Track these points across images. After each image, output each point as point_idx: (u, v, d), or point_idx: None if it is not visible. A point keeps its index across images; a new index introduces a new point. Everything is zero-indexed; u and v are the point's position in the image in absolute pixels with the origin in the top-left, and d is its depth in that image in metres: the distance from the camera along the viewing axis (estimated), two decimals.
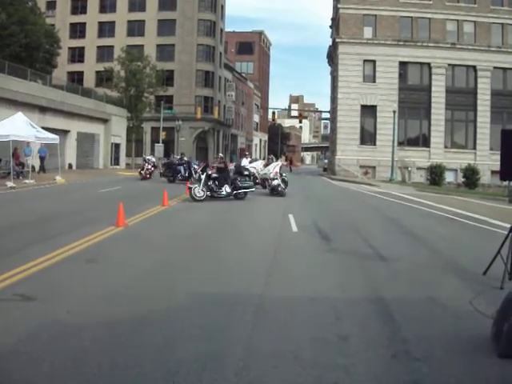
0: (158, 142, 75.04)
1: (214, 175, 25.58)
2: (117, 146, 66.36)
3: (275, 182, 30.00)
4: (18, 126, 34.06)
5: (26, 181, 33.76)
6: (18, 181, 32.97)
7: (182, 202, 24.49)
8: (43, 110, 47.52)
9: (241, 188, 26.23)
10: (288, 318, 7.71)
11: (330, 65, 78.06)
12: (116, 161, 64.75)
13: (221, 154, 30.02)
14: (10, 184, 30.43)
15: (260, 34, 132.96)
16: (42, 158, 42.94)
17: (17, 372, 5.52)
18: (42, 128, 38.13)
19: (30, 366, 5.66)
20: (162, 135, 77.04)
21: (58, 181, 36.45)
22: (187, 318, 7.48)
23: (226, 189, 25.77)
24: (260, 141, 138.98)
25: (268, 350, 6.36)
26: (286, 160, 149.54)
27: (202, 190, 24.84)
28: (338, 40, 65.01)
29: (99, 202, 24.04)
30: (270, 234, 15.98)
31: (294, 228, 17.28)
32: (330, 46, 74.77)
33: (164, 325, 7.12)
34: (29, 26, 53.89)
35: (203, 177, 25.01)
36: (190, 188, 25.10)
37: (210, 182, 25.42)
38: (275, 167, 31.07)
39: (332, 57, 72.44)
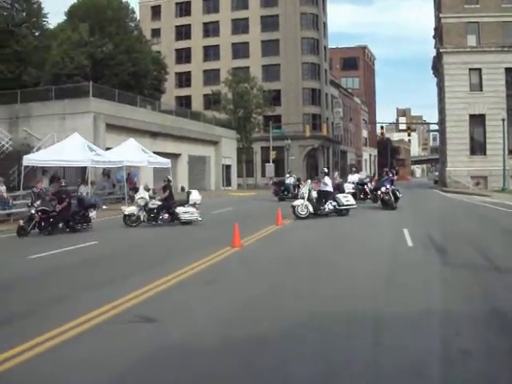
0: (269, 162, 75.06)
1: (315, 193, 25.14)
2: (228, 168, 66.86)
3: (386, 196, 29.03)
4: (131, 152, 34.77)
5: None
6: (132, 205, 32.95)
7: (294, 221, 24.07)
8: (154, 135, 48.33)
9: (343, 205, 25.42)
10: (407, 333, 7.50)
11: (435, 75, 75.52)
12: (228, 182, 65.04)
13: (325, 169, 29.25)
14: (124, 208, 30.44)
15: (364, 48, 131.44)
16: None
17: None
18: (154, 153, 38.55)
19: None
20: (272, 155, 77.30)
21: None
22: (306, 337, 7.34)
23: (329, 206, 25.21)
24: (370, 156, 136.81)
25: (390, 366, 6.20)
26: (397, 174, 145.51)
27: (306, 207, 24.41)
28: (441, 50, 62.88)
29: (213, 223, 23.96)
30: (385, 249, 15.56)
31: (409, 242, 16.58)
32: (434, 57, 72.41)
33: (283, 344, 7.05)
34: (136, 55, 55.63)
35: (306, 195, 24.62)
36: (293, 206, 24.71)
37: (314, 200, 24.97)
38: (385, 181, 30.03)
39: (437, 67, 70.01)
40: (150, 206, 22.71)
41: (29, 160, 30.18)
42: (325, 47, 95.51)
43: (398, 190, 29.61)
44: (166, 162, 38.06)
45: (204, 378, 5.98)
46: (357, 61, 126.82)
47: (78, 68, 49.08)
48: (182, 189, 36.19)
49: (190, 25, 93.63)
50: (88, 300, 9.43)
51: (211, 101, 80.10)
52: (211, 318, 8.31)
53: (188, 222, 22.66)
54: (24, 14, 54.09)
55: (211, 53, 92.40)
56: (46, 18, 57.33)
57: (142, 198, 23.04)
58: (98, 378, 5.95)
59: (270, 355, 6.62)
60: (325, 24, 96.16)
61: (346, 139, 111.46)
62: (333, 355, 6.54)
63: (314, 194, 24.90)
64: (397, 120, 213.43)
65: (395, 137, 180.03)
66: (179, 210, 22.61)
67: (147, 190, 24.50)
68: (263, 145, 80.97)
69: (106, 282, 11.16)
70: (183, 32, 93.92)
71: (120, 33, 55.56)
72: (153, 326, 7.96)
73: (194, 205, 22.99)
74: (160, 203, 22.84)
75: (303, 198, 24.55)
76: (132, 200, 35.83)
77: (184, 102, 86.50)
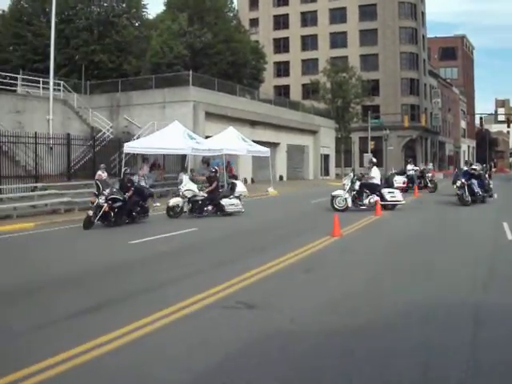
0: (366, 152, 73.95)
1: (357, 186, 23.61)
2: (326, 157, 66.42)
3: (459, 192, 26.12)
4: (230, 140, 34.53)
5: None
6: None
7: (394, 211, 23.42)
8: (253, 123, 48.06)
9: (386, 200, 23.56)
10: (510, 330, 7.10)
11: None
12: (326, 171, 64.30)
13: (374, 159, 26.51)
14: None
15: (462, 38, 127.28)
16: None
17: (245, 373, 5.69)
18: (253, 141, 38.05)
19: (258, 369, 5.82)
20: (371, 145, 76.10)
21: (271, 192, 36.08)
22: (406, 327, 7.25)
23: (370, 200, 23.49)
24: (468, 147, 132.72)
25: (491, 362, 5.94)
26: (495, 166, 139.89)
27: (344, 200, 23.16)
28: None
29: (312, 212, 23.73)
30: (484, 243, 14.76)
31: (510, 236, 15.83)
32: None
33: (383, 334, 6.95)
34: (234, 44, 55.49)
35: (347, 186, 23.34)
36: (332, 196, 23.63)
37: (354, 192, 23.69)
38: (462, 174, 27.39)
39: None
40: (197, 198, 21.83)
41: (129, 147, 30.19)
42: (423, 36, 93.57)
43: (484, 186, 27.46)
44: (265, 151, 37.58)
45: (304, 364, 5.95)
46: (455, 50, 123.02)
47: (177, 57, 49.23)
48: (245, 180, 35.54)
49: (287, 14, 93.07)
50: (189, 285, 9.65)
51: (309, 90, 79.79)
52: (312, 306, 8.30)
53: (230, 214, 22.12)
54: (124, 5, 55.13)
55: (309, 42, 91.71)
56: (146, 8, 58.54)
57: (188, 189, 22.07)
58: (201, 362, 5.99)
59: (369, 344, 6.52)
60: (423, 13, 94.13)
61: (445, 130, 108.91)
62: (433, 347, 6.35)
63: (357, 186, 23.42)
64: (495, 111, 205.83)
65: (494, 128, 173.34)
66: (225, 201, 22.00)
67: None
68: (361, 135, 79.94)
69: (207, 268, 11.27)
70: (281, 22, 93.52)
71: (219, 22, 55.54)
72: (253, 313, 7.99)
73: (238, 197, 22.57)
74: (205, 195, 22.00)
75: (344, 190, 23.27)
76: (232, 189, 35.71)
77: (282, 92, 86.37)
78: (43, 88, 37.22)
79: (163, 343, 6.60)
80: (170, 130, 31.04)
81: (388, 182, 25.58)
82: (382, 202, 23.12)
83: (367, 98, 74.34)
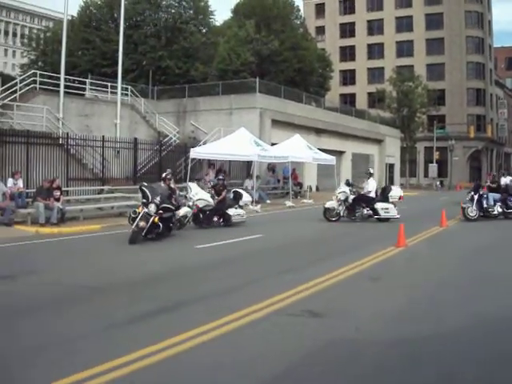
0: (432, 162, 73.09)
1: (351, 200, 22.73)
2: (391, 167, 65.61)
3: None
4: (296, 148, 34.42)
5: (304, 200, 34.31)
6: (296, 200, 33.66)
7: (459, 223, 23.20)
8: (319, 131, 47.58)
9: (379, 215, 22.58)
10: None
11: None
12: (390, 181, 63.15)
13: (370, 169, 25.56)
14: (288, 203, 30.97)
15: None
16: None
17: (308, 382, 5.68)
18: (318, 149, 37.62)
19: (322, 377, 5.78)
20: (436, 155, 75.37)
21: None
22: (474, 339, 7.06)
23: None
24: None
25: None
26: None
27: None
28: None
29: (372, 222, 22.86)
30: None
31: None
32: None
33: (449, 345, 6.78)
34: (301, 52, 55.27)
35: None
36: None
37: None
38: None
39: None
40: (207, 208, 20.52)
41: (195, 153, 30.22)
42: (490, 46, 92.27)
43: None
44: (331, 159, 37.07)
45: (368, 372, 5.90)
46: None
47: (244, 64, 49.11)
48: (310, 188, 35.13)
49: (353, 22, 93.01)
50: (254, 292, 9.63)
51: (375, 99, 79.64)
52: (377, 314, 8.29)
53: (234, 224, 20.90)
54: (191, 11, 55.45)
55: (375, 51, 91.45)
56: (213, 15, 58.79)
57: (200, 199, 20.50)
58: (266, 370, 5.93)
59: (436, 354, 6.38)
60: (490, 22, 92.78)
61: (510, 141, 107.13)
62: (497, 359, 6.27)
63: (350, 200, 22.45)
64: None
65: None
66: (231, 211, 20.76)
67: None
68: (426, 145, 79.59)
69: (273, 275, 11.32)
70: (347, 30, 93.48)
71: (285, 30, 55.41)
72: (318, 321, 7.96)
73: (242, 206, 21.75)
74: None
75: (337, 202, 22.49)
76: (296, 196, 35.36)
77: (348, 100, 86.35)
78: (111, 92, 37.66)
79: (227, 350, 6.56)
80: (236, 136, 30.94)
81: (383, 195, 23.47)
82: (376, 217, 22.45)
83: (433, 108, 73.96)
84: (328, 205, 22.57)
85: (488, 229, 21.07)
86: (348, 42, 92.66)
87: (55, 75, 33.93)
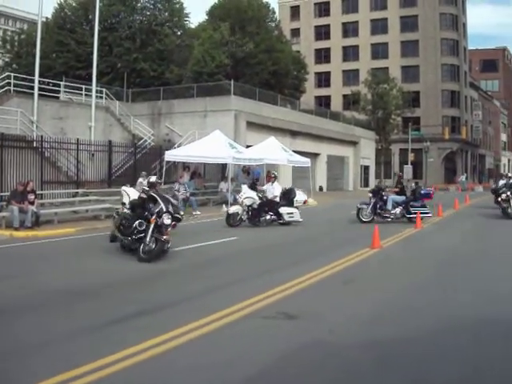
0: (407, 164, 73.78)
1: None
2: (366, 168, 66.12)
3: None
4: (271, 150, 34.44)
5: None
6: None
7: (433, 225, 23.19)
8: (294, 133, 47.94)
9: (284, 220, 22.40)
10: None
11: None
12: (365, 182, 63.73)
13: (275, 172, 25.50)
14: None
15: (503, 50, 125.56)
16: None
17: None
18: (293, 151, 37.83)
19: (295, 380, 5.90)
20: (411, 157, 75.88)
21: (310, 203, 35.50)
22: (449, 339, 7.20)
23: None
24: (508, 161, 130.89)
25: None
26: None
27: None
28: None
29: (351, 223, 23.38)
30: None
31: None
32: None
33: (421, 348, 6.88)
34: (276, 54, 55.34)
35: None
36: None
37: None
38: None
39: None
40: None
41: (170, 155, 30.22)
42: (464, 48, 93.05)
43: None
44: (305, 161, 37.20)
45: (342, 376, 5.99)
46: (496, 63, 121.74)
47: (219, 67, 49.17)
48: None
49: (329, 25, 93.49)
50: (229, 294, 9.70)
51: (350, 101, 79.47)
52: (351, 317, 8.36)
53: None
54: (166, 13, 55.38)
55: (350, 53, 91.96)
56: (188, 17, 58.68)
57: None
58: (240, 372, 6.00)
59: (408, 356, 6.56)
60: (464, 25, 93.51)
61: (485, 143, 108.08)
62: (470, 362, 6.38)
63: (247, 202, 21.82)
64: None
65: None
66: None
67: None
68: (402, 146, 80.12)
69: (247, 278, 11.40)
70: (322, 32, 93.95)
71: (260, 32, 55.48)
72: (292, 323, 8.04)
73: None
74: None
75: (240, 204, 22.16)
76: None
77: (323, 102, 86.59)
78: (85, 95, 37.58)
79: (202, 352, 6.62)
80: (211, 138, 30.92)
81: (287, 198, 23.12)
82: (280, 221, 22.36)
83: (408, 110, 74.26)
84: (232, 210, 22.06)
85: (457, 229, 21.47)
86: (323, 44, 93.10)
87: (29, 78, 33.85)
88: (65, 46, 50.74)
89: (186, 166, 32.59)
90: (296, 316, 8.30)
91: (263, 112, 43.48)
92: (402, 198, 24.04)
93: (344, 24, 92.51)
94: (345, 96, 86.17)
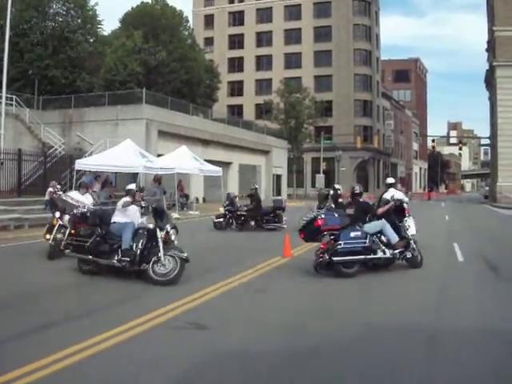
0: (319, 173, 74.77)
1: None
2: (278, 177, 66.83)
3: None
4: (182, 159, 34.61)
5: (191, 212, 34.62)
6: (182, 212, 33.74)
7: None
8: (206, 142, 48.29)
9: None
10: (462, 350, 7.26)
11: (487, 89, 73.85)
12: (278, 191, 64.56)
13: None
14: (175, 215, 30.73)
15: (416, 61, 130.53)
16: None
17: None
18: (205, 160, 38.19)
19: None
20: (323, 166, 77.06)
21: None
22: (360, 347, 7.30)
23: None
24: (420, 169, 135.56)
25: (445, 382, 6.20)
26: (447, 188, 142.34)
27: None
28: (495, 63, 61.66)
29: (263, 233, 23.42)
30: (435, 263, 14.92)
31: (460, 257, 16.26)
32: (487, 70, 70.84)
33: (336, 354, 7.03)
34: (189, 63, 55.85)
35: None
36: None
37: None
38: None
39: (490, 81, 68.37)
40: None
41: (81, 164, 30.01)
42: (377, 59, 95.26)
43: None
44: (217, 170, 37.55)
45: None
46: (409, 73, 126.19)
47: (131, 75, 49.28)
48: (197, 200, 35.99)
49: (242, 34, 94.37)
50: (137, 306, 9.49)
51: (263, 110, 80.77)
52: (263, 326, 8.32)
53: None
54: (79, 20, 54.60)
55: (264, 62, 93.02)
56: (101, 24, 57.93)
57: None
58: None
59: (321, 364, 6.61)
60: (377, 35, 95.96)
61: (397, 152, 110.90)
62: (386, 366, 6.55)
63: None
64: (448, 133, 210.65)
65: (446, 150, 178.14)
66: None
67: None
68: (314, 155, 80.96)
69: (155, 288, 11.04)
70: (236, 41, 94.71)
71: (173, 41, 55.86)
72: (204, 334, 7.95)
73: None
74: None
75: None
76: (183, 207, 35.78)
77: (236, 111, 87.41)
78: None
79: (112, 365, 6.47)
80: (122, 147, 30.97)
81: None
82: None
83: (320, 119, 75.56)
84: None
85: None
86: (236, 53, 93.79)
87: None
88: None
89: (96, 175, 32.61)
90: (207, 326, 8.24)
91: (175, 121, 43.73)
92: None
93: (258, 33, 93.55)
94: (257, 105, 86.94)
